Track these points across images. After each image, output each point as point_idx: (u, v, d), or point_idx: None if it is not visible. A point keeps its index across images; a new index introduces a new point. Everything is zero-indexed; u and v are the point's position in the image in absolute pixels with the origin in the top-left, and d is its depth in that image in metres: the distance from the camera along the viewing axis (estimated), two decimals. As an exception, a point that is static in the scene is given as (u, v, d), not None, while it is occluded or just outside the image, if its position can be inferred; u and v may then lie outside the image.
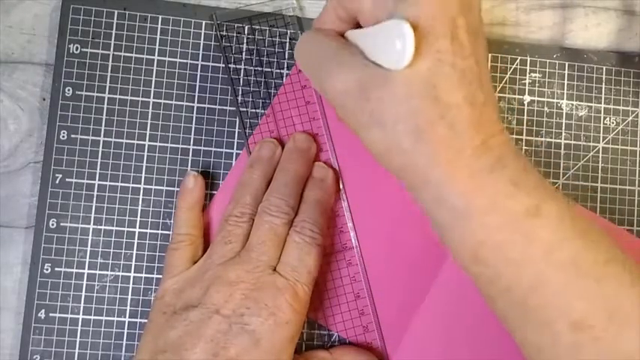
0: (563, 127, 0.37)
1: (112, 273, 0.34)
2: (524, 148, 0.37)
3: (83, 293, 0.33)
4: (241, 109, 0.35)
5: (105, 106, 0.34)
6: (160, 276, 0.33)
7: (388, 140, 0.25)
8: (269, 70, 0.35)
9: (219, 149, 0.35)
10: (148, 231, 0.34)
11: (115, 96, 0.34)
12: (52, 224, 0.33)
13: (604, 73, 0.38)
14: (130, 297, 0.34)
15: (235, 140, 0.35)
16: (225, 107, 0.35)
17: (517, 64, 0.37)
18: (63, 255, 0.33)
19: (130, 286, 0.34)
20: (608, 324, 0.23)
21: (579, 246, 0.24)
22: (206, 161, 0.35)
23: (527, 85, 0.37)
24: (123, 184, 0.34)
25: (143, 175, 0.34)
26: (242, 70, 0.35)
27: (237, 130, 0.35)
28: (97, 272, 0.34)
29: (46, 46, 0.35)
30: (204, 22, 0.35)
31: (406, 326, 0.34)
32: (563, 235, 0.24)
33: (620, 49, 0.39)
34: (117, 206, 0.34)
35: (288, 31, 0.36)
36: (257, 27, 0.35)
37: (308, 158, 0.34)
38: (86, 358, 0.33)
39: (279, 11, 0.36)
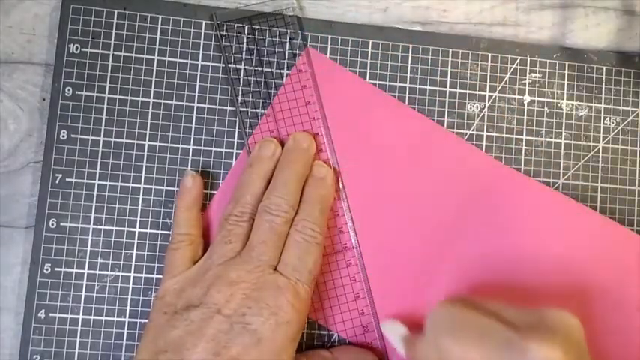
0: (563, 127, 0.37)
1: (112, 273, 0.34)
2: (524, 148, 0.37)
3: (83, 293, 0.33)
4: (241, 109, 0.35)
5: (105, 106, 0.34)
6: (160, 276, 0.33)
7: None
8: (269, 70, 0.35)
9: (219, 149, 0.35)
10: (148, 231, 0.34)
11: (114, 96, 0.34)
12: (52, 224, 0.33)
13: (604, 73, 0.38)
14: (130, 297, 0.34)
15: (235, 140, 0.35)
16: (225, 107, 0.35)
17: (517, 64, 0.37)
18: (63, 255, 0.33)
19: (130, 286, 0.34)
20: None
21: None
22: (206, 161, 0.35)
23: (527, 85, 0.37)
24: (123, 184, 0.34)
25: (143, 175, 0.34)
26: (242, 70, 0.35)
27: (237, 130, 0.35)
28: (97, 272, 0.34)
29: (46, 46, 0.35)
30: (204, 22, 0.35)
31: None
32: None
33: (620, 49, 0.39)
34: (117, 206, 0.34)
35: (288, 31, 0.36)
36: (257, 27, 0.36)
37: (308, 157, 0.34)
38: (86, 358, 0.33)
39: (279, 11, 0.36)
